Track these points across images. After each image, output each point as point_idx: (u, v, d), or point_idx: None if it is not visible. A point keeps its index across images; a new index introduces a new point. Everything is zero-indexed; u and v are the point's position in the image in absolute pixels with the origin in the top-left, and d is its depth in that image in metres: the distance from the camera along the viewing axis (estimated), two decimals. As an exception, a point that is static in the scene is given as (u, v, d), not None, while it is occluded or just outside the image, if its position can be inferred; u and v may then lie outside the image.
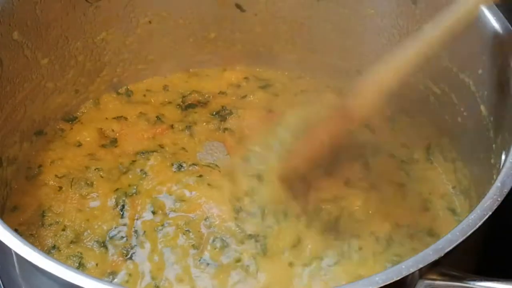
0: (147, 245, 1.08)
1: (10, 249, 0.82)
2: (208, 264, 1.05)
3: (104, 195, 1.14)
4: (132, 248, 1.07)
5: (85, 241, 1.08)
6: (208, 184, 1.15)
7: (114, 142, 1.23)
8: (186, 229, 1.09)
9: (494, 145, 1.02)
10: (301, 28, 1.27)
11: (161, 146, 1.22)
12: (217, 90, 1.32)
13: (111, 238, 1.08)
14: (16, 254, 0.81)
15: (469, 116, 1.11)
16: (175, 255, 1.06)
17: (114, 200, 1.13)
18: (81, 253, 1.06)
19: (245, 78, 1.34)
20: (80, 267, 1.05)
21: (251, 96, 1.29)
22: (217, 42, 1.32)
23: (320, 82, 1.32)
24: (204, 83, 1.33)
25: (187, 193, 1.14)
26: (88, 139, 1.22)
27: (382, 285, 0.76)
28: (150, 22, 1.26)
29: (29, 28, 1.11)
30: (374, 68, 1.04)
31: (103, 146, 1.22)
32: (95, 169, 1.17)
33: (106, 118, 1.26)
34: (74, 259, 1.06)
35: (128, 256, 1.06)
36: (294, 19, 1.27)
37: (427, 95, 1.20)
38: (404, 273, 0.77)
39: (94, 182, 1.16)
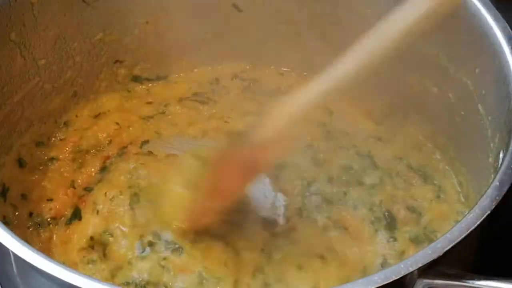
0: None
1: (7, 249, 0.81)
2: None
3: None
4: None
5: None
6: None
7: (111, 143, 1.22)
8: None
9: (492, 144, 1.02)
10: (298, 28, 1.27)
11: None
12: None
13: None
14: (14, 254, 0.81)
15: (466, 115, 1.11)
16: None
17: None
18: None
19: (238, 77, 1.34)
20: None
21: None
22: (214, 42, 1.32)
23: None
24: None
25: None
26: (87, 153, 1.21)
27: (381, 284, 0.76)
28: (147, 22, 1.26)
29: (26, 29, 1.11)
30: (275, 104, 0.96)
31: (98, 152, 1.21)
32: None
33: (105, 120, 1.26)
34: None
35: None
36: (290, 19, 1.27)
37: (424, 94, 1.20)
38: (403, 273, 0.77)
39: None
